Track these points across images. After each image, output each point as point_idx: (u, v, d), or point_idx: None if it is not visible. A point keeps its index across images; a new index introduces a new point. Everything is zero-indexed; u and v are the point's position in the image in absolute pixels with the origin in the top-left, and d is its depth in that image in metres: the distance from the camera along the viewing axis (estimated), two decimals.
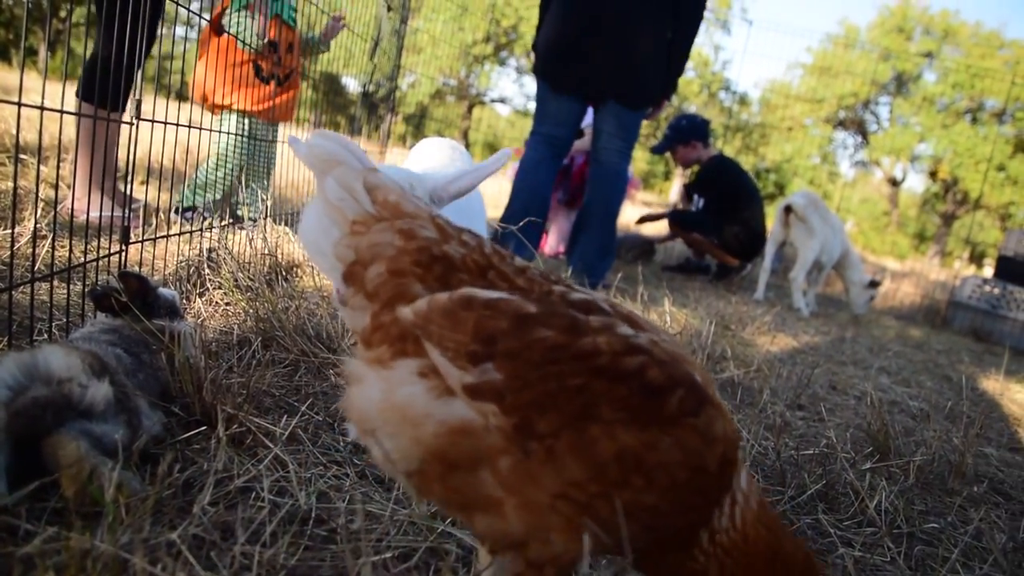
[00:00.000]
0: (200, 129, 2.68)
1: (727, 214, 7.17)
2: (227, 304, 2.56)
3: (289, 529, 1.37)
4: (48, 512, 1.32)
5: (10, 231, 2.50)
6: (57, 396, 1.41)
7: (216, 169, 4.31)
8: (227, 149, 4.32)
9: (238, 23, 4.14)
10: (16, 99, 1.66)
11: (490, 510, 0.97)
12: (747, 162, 26.63)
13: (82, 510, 1.30)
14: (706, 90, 33.74)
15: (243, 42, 4.14)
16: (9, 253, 2.46)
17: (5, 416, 1.35)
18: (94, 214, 2.87)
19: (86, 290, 1.97)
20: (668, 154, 7.65)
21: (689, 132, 7.32)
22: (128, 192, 3.13)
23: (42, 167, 3.70)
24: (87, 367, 1.48)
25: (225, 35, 4.14)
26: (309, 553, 1.33)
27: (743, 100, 34.95)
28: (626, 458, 0.93)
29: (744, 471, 1.06)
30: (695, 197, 7.56)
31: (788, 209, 6.42)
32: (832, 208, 7.13)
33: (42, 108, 1.68)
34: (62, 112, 1.77)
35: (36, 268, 1.97)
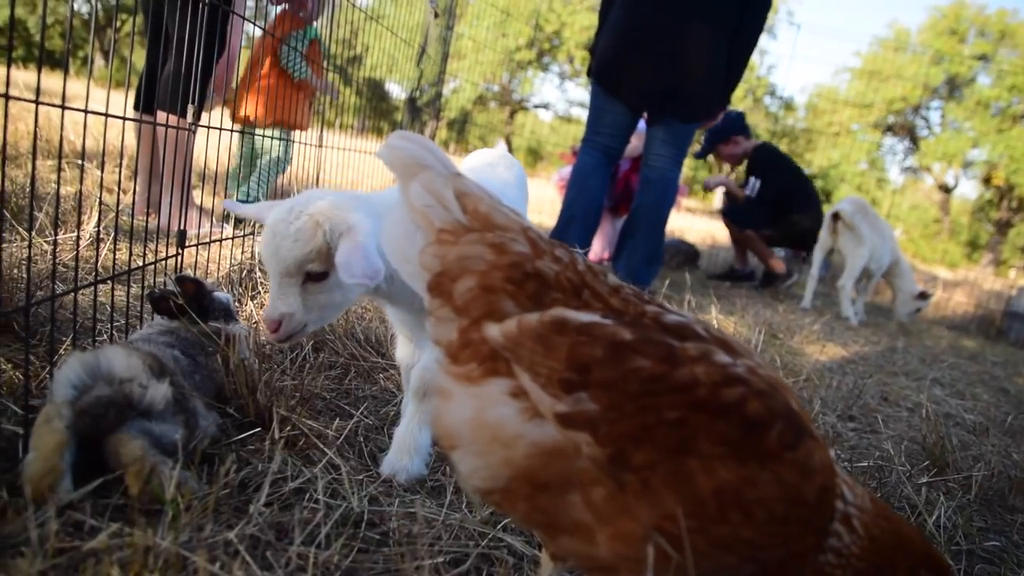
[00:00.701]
0: (252, 135, 2.75)
1: (783, 195, 7.06)
2: None
3: (343, 531, 1.39)
4: (111, 509, 1.35)
5: (72, 234, 2.58)
6: (119, 396, 1.45)
7: (270, 173, 4.57)
8: (282, 153, 4.60)
9: (296, 65, 4.57)
10: (78, 106, 1.71)
11: (577, 534, 0.95)
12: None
13: (143, 508, 1.33)
14: (751, 95, 33.34)
15: (296, 74, 4.59)
16: (71, 256, 2.54)
17: (70, 414, 1.38)
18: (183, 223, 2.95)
19: (145, 293, 2.01)
20: (712, 158, 7.56)
21: (727, 130, 7.17)
22: (196, 201, 3.20)
23: (98, 172, 3.81)
24: (147, 368, 1.52)
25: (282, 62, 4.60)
26: (363, 555, 1.35)
27: (789, 105, 34.51)
28: (724, 494, 0.90)
29: (846, 484, 1.04)
30: (751, 180, 7.35)
31: (836, 216, 6.30)
32: (881, 215, 6.97)
33: (106, 115, 1.73)
34: (124, 119, 1.82)
35: (96, 271, 2.01)
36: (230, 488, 1.45)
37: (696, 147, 7.53)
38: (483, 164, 2.31)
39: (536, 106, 35.19)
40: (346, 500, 1.50)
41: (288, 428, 1.67)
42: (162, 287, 1.91)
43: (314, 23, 4.69)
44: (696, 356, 0.95)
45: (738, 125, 7.27)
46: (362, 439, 1.83)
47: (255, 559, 1.25)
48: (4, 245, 2.18)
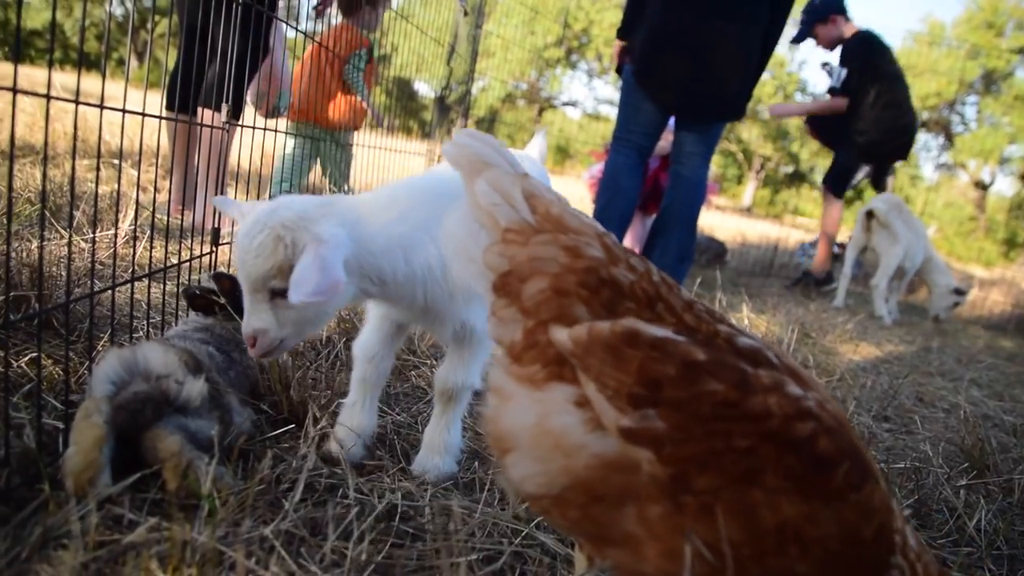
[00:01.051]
0: (295, 135, 2.77)
1: (869, 93, 6.46)
2: None
3: (376, 526, 1.39)
4: (148, 503, 1.37)
5: (109, 232, 2.62)
6: (156, 392, 1.47)
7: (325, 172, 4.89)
8: (339, 156, 4.87)
9: (358, 86, 4.92)
10: (114, 106, 1.74)
11: (627, 546, 0.95)
12: (824, 166, 25.89)
13: (180, 502, 1.35)
14: (781, 91, 32.98)
15: (360, 94, 4.95)
16: (108, 254, 2.58)
17: (108, 409, 1.41)
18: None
19: (180, 290, 2.04)
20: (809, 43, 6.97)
21: (826, 7, 6.61)
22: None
23: (133, 171, 3.86)
24: (183, 364, 1.54)
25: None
26: (396, 551, 1.35)
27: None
28: (786, 529, 0.90)
29: (907, 528, 1.02)
30: (837, 68, 6.67)
31: (870, 214, 6.20)
32: (915, 213, 6.80)
33: (143, 115, 1.75)
34: (161, 118, 1.85)
35: (133, 269, 2.04)
36: (265, 484, 1.47)
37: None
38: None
39: (564, 104, 35.14)
40: (379, 496, 1.50)
41: (321, 425, 1.68)
42: (197, 283, 1.93)
43: (371, 35, 4.92)
44: (769, 385, 0.94)
45: (838, 4, 6.62)
46: (394, 436, 1.84)
47: (290, 555, 1.26)
48: (43, 243, 2.22)
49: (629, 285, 1.00)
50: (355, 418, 1.70)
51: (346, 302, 1.62)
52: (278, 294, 1.46)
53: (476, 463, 1.78)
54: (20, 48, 1.24)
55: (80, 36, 1.56)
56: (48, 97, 1.35)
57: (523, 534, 1.46)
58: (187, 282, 2.17)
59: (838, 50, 6.72)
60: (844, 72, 6.56)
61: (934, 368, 4.17)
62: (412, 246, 1.55)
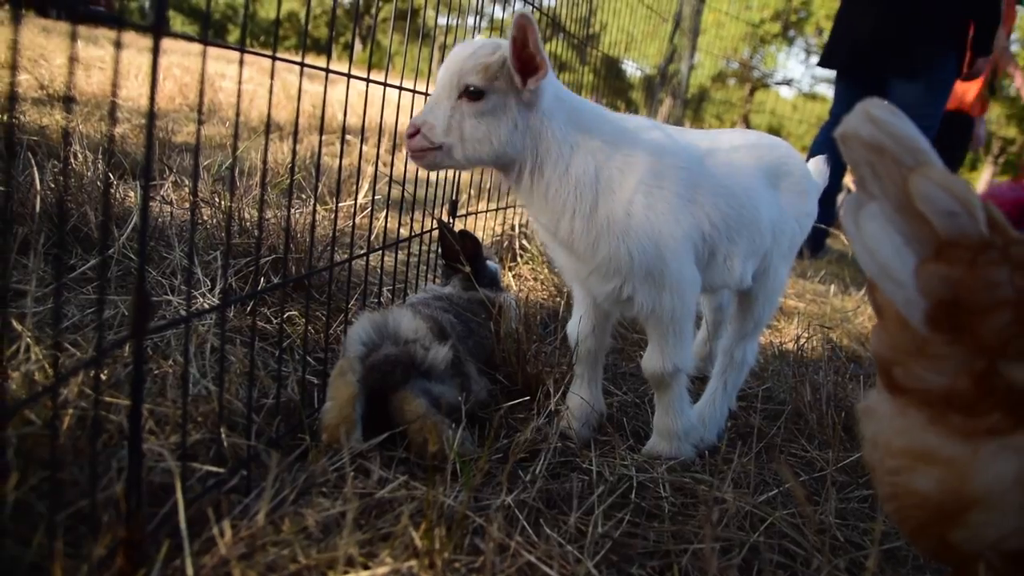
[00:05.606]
0: None
1: None
2: (534, 279, 2.65)
3: (613, 501, 1.37)
4: (395, 461, 1.43)
5: (347, 203, 2.79)
6: (404, 355, 1.52)
7: None
8: None
9: None
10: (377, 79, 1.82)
11: None
12: None
13: (428, 464, 1.39)
14: None
15: None
16: (349, 224, 2.75)
17: (361, 369, 1.48)
18: None
19: (435, 224, 2.09)
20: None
21: None
22: None
23: (368, 146, 4.11)
24: (430, 331, 1.59)
25: None
26: (633, 528, 1.32)
27: None
28: None
29: None
30: None
31: None
32: None
33: (414, 92, 1.82)
34: (414, 92, 1.91)
35: (384, 238, 2.15)
36: (503, 453, 1.48)
37: None
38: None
39: (779, 83, 33.32)
40: (611, 471, 1.47)
41: (555, 399, 1.68)
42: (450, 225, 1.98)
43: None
44: None
45: None
46: (622, 416, 1.80)
47: (530, 524, 1.26)
48: (297, 213, 2.40)
49: None
50: (583, 393, 1.68)
51: (503, 139, 1.47)
52: (468, 95, 1.44)
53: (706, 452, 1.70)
54: (278, 31, 1.32)
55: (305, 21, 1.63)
56: (302, 66, 1.42)
57: (765, 524, 1.37)
58: (425, 250, 2.25)
59: None
60: None
61: None
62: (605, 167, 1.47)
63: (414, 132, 1.46)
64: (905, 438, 0.83)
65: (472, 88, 1.43)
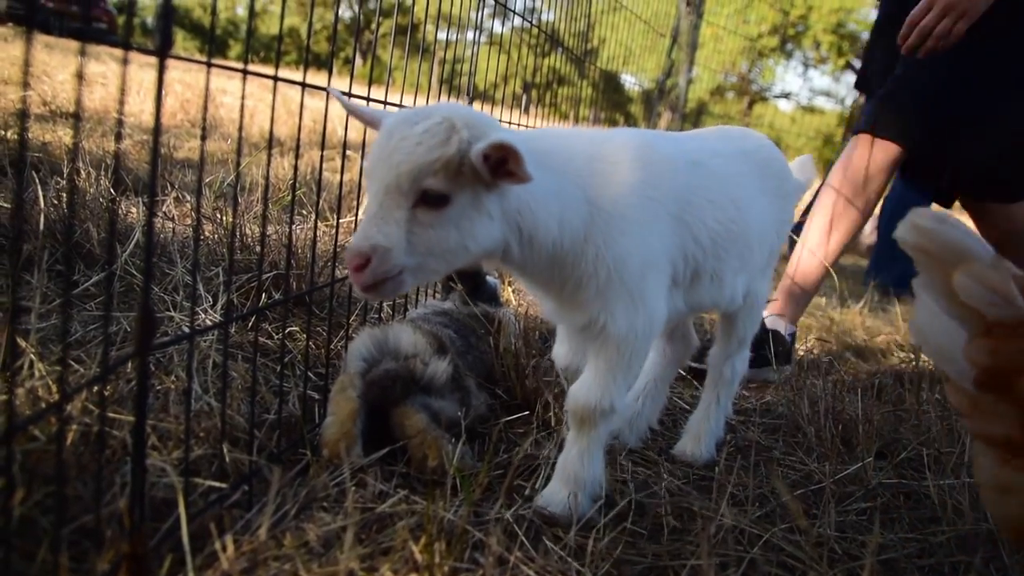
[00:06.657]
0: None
1: None
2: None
3: (610, 519, 1.37)
4: (396, 476, 1.44)
5: (348, 218, 2.81)
6: (404, 370, 1.54)
7: None
8: None
9: None
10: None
11: None
12: None
13: (427, 478, 1.40)
14: None
15: None
16: (350, 239, 2.77)
17: (362, 385, 1.49)
18: None
19: None
20: None
21: None
22: None
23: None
24: (429, 346, 1.60)
25: None
26: (630, 548, 1.33)
27: None
28: None
29: None
30: None
31: None
32: None
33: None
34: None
35: None
36: (502, 468, 1.49)
37: None
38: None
39: (777, 96, 33.48)
40: (613, 489, 1.48)
41: (552, 413, 1.69)
42: None
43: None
44: None
45: None
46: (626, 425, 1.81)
47: (528, 539, 1.27)
48: (298, 229, 2.42)
49: None
50: None
51: (481, 246, 1.21)
52: (427, 201, 1.13)
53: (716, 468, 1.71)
54: (281, 48, 1.34)
55: (308, 35, 1.65)
56: (304, 85, 1.45)
57: (763, 540, 1.38)
58: None
59: None
60: None
61: None
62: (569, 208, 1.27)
63: (363, 263, 1.11)
64: (986, 474, 0.98)
65: (433, 192, 1.12)
